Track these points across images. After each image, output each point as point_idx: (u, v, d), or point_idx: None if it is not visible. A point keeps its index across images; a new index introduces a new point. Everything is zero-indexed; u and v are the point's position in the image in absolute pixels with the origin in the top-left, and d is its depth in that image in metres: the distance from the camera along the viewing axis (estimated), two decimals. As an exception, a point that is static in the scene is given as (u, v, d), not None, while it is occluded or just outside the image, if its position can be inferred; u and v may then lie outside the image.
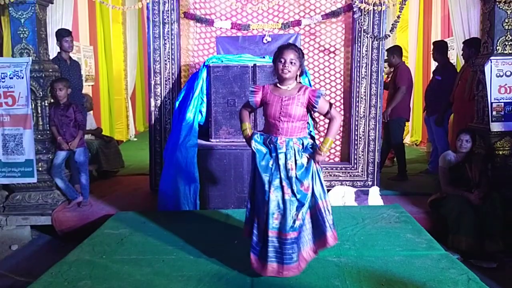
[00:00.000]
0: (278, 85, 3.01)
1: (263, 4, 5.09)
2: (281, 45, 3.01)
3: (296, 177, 2.92)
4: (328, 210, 3.00)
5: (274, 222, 2.86)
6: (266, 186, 2.92)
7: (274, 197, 2.89)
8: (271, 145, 2.98)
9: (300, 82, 3.05)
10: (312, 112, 3.01)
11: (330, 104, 3.03)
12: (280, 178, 2.92)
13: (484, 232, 3.86)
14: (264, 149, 3.01)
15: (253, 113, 3.45)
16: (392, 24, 4.73)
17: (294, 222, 2.87)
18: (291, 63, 2.90)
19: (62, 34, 5.12)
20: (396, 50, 5.82)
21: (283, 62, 2.91)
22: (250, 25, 5.15)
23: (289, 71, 2.91)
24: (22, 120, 4.52)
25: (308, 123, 3.16)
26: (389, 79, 6.01)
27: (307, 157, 2.99)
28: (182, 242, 3.53)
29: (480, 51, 4.66)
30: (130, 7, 8.02)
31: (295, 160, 2.94)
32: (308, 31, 5.20)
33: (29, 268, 3.82)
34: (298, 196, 2.89)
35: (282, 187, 2.90)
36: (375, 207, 4.49)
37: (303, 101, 2.94)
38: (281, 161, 2.93)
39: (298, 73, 2.99)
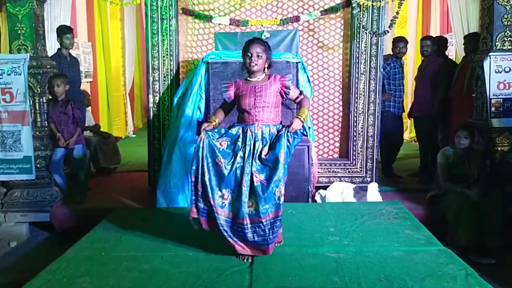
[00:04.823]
0: (248, 78, 3.26)
1: (261, -1, 5.08)
2: (248, 40, 3.21)
3: (267, 158, 3.07)
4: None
5: (247, 210, 3.02)
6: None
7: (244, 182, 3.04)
8: (247, 134, 3.12)
9: (268, 74, 3.26)
10: (285, 97, 3.23)
11: (300, 91, 3.35)
12: (251, 164, 3.07)
13: (483, 228, 3.86)
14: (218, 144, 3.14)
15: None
16: (391, 20, 4.73)
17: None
18: (258, 56, 3.13)
19: (63, 31, 5.12)
20: (432, 41, 5.49)
21: (250, 56, 3.14)
22: (248, 21, 5.13)
23: (256, 64, 3.14)
24: (20, 117, 4.50)
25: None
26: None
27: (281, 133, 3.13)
28: (180, 238, 3.53)
29: (479, 47, 4.65)
30: (128, 3, 7.99)
31: (270, 145, 3.11)
32: (307, 27, 5.18)
33: (27, 265, 3.82)
34: (279, 175, 3.01)
35: (252, 174, 3.05)
36: (374, 203, 4.49)
37: (275, 88, 3.18)
38: (257, 148, 3.10)
39: (266, 65, 3.21)
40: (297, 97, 3.27)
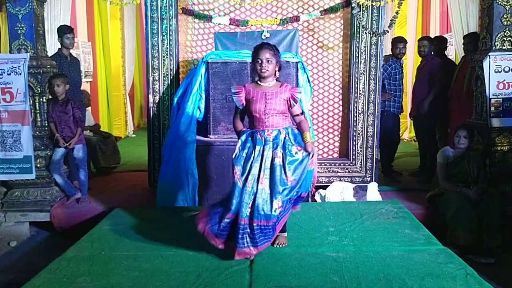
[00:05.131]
0: (259, 82, 3.23)
1: (261, -1, 5.08)
2: (256, 46, 3.21)
3: (283, 165, 3.08)
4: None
5: (247, 210, 3.02)
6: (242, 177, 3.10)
7: (250, 187, 3.06)
8: (257, 138, 3.14)
9: (278, 78, 3.28)
10: (288, 107, 3.20)
11: (302, 111, 3.34)
12: (260, 168, 3.08)
13: (483, 228, 3.87)
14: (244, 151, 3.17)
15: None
16: (390, 20, 4.73)
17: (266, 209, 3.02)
18: (268, 61, 3.12)
19: (64, 31, 5.13)
20: (429, 42, 5.53)
21: (260, 62, 3.12)
22: (248, 21, 5.14)
23: (267, 70, 3.13)
24: (20, 117, 4.51)
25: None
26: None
27: (297, 148, 3.15)
28: (180, 238, 3.53)
29: (479, 47, 4.66)
30: (128, 2, 8.01)
31: (284, 149, 3.12)
32: (307, 27, 5.19)
33: (28, 265, 3.83)
34: (280, 188, 3.04)
35: (258, 177, 3.07)
36: (373, 202, 4.49)
37: (284, 97, 3.17)
38: (266, 152, 3.11)
39: (276, 69, 3.21)
40: (297, 115, 3.26)
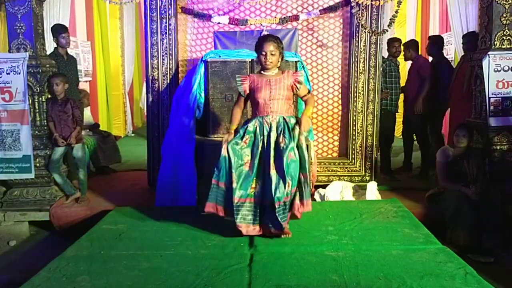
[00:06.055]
0: (262, 72, 3.45)
1: (260, -2, 5.07)
2: (260, 38, 3.39)
3: (284, 147, 3.26)
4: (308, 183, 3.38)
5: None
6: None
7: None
8: (263, 125, 3.34)
9: (280, 68, 3.47)
10: (295, 92, 3.42)
11: (309, 90, 3.58)
12: (269, 153, 3.29)
13: (482, 227, 3.87)
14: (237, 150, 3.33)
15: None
16: (390, 19, 4.72)
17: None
18: (272, 54, 3.33)
19: (59, 31, 5.11)
20: (412, 44, 5.70)
21: (264, 54, 3.34)
22: (247, 20, 5.14)
23: (271, 62, 3.36)
24: (20, 116, 4.51)
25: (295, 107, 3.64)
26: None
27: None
28: (180, 237, 3.53)
29: (478, 46, 4.65)
30: (127, 2, 7.99)
31: (287, 134, 3.31)
32: (306, 26, 5.19)
33: (27, 264, 3.82)
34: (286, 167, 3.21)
35: (269, 163, 3.27)
36: (373, 201, 4.49)
37: (288, 82, 3.39)
38: (272, 139, 3.30)
39: (280, 60, 3.42)
40: (305, 95, 3.47)
